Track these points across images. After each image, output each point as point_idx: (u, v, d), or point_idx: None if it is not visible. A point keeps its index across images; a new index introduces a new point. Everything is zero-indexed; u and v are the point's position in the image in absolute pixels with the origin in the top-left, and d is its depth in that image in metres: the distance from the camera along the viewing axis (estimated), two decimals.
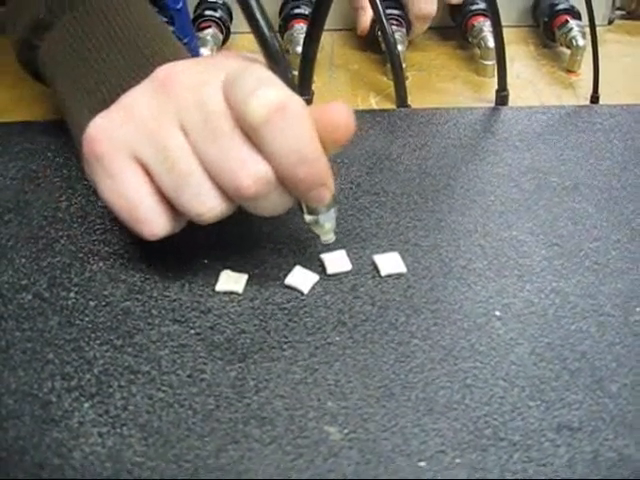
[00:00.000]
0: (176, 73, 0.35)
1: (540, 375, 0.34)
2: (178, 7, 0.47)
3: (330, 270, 0.39)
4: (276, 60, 0.35)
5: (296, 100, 0.33)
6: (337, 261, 0.39)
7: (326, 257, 0.39)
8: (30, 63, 0.44)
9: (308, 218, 0.37)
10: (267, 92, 0.32)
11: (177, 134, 0.34)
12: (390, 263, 0.39)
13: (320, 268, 0.39)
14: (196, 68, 0.35)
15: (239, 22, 0.62)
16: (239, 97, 0.32)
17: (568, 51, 0.58)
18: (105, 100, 0.38)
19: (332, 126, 0.34)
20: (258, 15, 0.34)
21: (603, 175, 0.46)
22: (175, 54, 0.40)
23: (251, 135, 0.33)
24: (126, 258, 0.39)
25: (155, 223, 0.35)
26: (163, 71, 0.35)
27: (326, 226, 0.37)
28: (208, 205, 0.34)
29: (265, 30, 0.34)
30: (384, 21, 0.51)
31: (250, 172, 0.33)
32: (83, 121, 0.37)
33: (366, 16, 0.59)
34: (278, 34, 0.43)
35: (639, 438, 0.31)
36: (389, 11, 0.56)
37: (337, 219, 0.37)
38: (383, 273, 0.39)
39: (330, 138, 0.34)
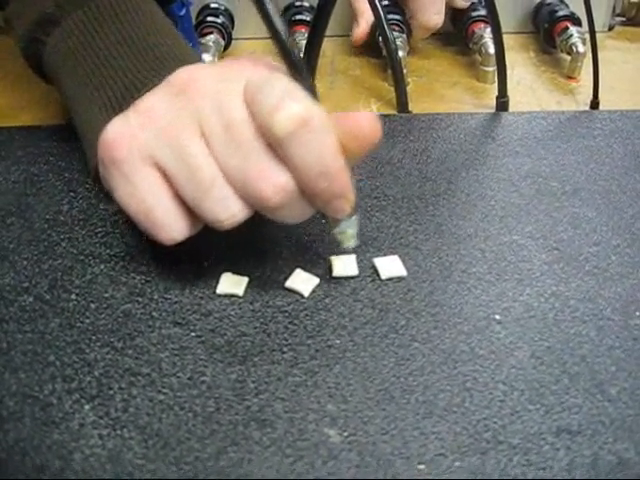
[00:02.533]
0: (196, 79, 0.35)
1: (540, 379, 0.34)
2: (181, 14, 0.47)
3: (336, 273, 0.39)
4: (298, 69, 0.35)
5: (320, 113, 0.33)
6: (345, 265, 0.39)
7: (335, 259, 0.39)
8: (35, 58, 0.44)
9: (330, 224, 0.37)
10: (293, 105, 0.32)
11: (198, 141, 0.34)
12: (390, 266, 0.39)
13: (321, 271, 0.39)
14: (216, 74, 0.35)
15: (241, 28, 0.62)
16: (264, 108, 0.32)
17: (568, 57, 0.59)
18: (117, 98, 0.38)
19: (357, 134, 0.34)
20: (278, 24, 0.34)
21: (603, 180, 0.46)
22: (186, 55, 0.40)
23: (274, 146, 0.33)
24: (127, 261, 0.39)
25: (173, 228, 0.35)
26: (183, 76, 0.35)
27: (348, 233, 0.37)
28: (229, 212, 0.34)
29: (285, 39, 0.34)
30: (385, 27, 0.51)
31: (272, 182, 0.33)
32: (92, 118, 0.37)
33: (360, 28, 0.59)
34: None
35: (638, 442, 0.31)
36: (390, 16, 0.56)
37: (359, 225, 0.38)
38: (383, 276, 0.39)
39: (355, 145, 0.34)
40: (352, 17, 0.61)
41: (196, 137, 0.34)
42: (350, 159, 0.34)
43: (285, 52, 0.34)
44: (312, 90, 0.35)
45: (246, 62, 0.37)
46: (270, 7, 0.33)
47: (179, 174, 0.34)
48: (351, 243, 0.38)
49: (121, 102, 0.37)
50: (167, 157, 0.34)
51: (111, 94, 0.38)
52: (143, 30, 0.40)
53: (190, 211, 0.35)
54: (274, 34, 0.34)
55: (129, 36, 0.40)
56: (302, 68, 0.35)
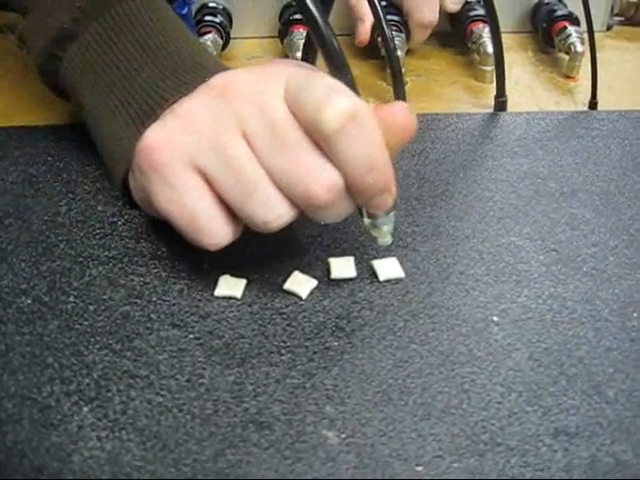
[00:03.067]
0: (234, 82, 0.35)
1: (537, 380, 0.34)
2: (184, 12, 0.47)
3: (334, 275, 0.39)
4: (338, 66, 0.35)
5: (365, 107, 0.33)
6: (343, 267, 0.39)
7: (333, 261, 0.39)
8: (51, 75, 0.43)
9: (367, 221, 0.37)
10: (340, 100, 0.32)
11: (241, 142, 0.34)
12: (388, 268, 0.39)
13: (319, 273, 0.39)
14: (253, 76, 0.35)
15: (239, 28, 0.62)
16: (309, 105, 0.32)
17: (567, 57, 0.59)
18: (144, 111, 0.37)
19: (396, 127, 0.34)
20: (320, 22, 0.34)
21: (601, 181, 0.46)
22: (209, 62, 0.40)
23: (322, 143, 0.33)
24: (125, 263, 0.39)
25: (216, 233, 0.35)
26: (220, 80, 0.35)
27: (384, 229, 0.37)
28: (276, 213, 0.34)
29: (328, 36, 0.34)
30: (384, 26, 0.51)
31: (321, 181, 0.33)
32: (118, 130, 0.37)
33: (364, 27, 0.59)
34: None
35: (636, 443, 0.31)
36: (389, 17, 0.56)
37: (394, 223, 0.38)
38: (381, 278, 0.39)
39: (395, 139, 0.34)
40: (352, 18, 0.61)
41: (238, 139, 0.34)
42: (390, 153, 0.34)
43: (327, 49, 0.34)
44: (352, 85, 0.35)
45: (280, 64, 0.37)
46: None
47: (222, 177, 0.34)
48: (387, 239, 0.38)
49: (150, 114, 0.37)
50: (209, 160, 0.34)
51: (137, 107, 0.38)
52: (161, 38, 0.40)
53: (233, 215, 0.35)
54: (315, 31, 0.34)
55: (147, 45, 0.40)
56: (342, 63, 0.35)
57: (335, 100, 0.32)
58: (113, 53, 0.40)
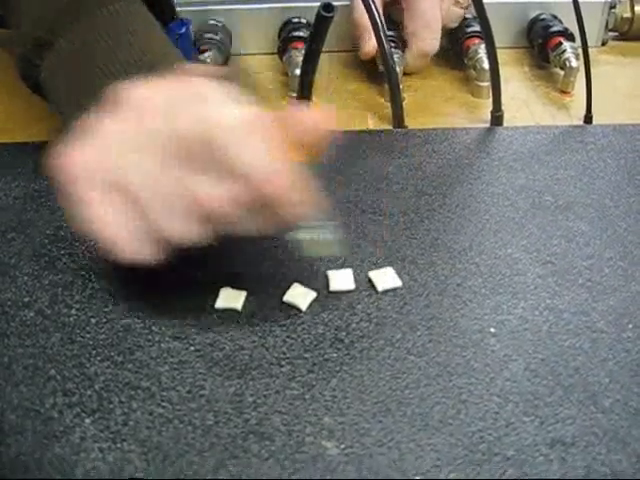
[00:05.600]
0: (143, 96, 0.35)
1: (534, 391, 0.34)
2: (181, 32, 0.48)
3: (333, 287, 0.39)
4: (242, 75, 0.35)
5: (261, 116, 0.33)
6: (342, 279, 0.40)
7: (331, 274, 0.40)
8: (31, 79, 0.45)
9: (290, 235, 0.36)
10: (230, 111, 0.32)
11: (149, 159, 0.34)
12: (385, 278, 0.40)
13: (318, 285, 0.39)
14: (161, 90, 0.35)
15: (238, 45, 0.63)
16: (205, 117, 0.33)
17: (562, 72, 0.59)
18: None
19: (309, 126, 0.34)
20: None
21: (596, 194, 0.47)
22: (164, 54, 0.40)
23: (219, 155, 0.33)
24: (126, 276, 0.40)
25: (136, 249, 0.35)
26: (132, 95, 0.35)
27: (320, 240, 0.36)
28: (183, 229, 0.34)
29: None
30: (384, 43, 0.52)
31: (219, 194, 0.33)
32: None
33: (371, 40, 0.60)
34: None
35: (632, 453, 0.31)
36: (387, 33, 0.57)
37: (331, 235, 0.37)
38: (379, 289, 0.39)
39: (311, 140, 0.34)
40: (354, 33, 0.61)
41: (148, 155, 0.34)
42: (309, 160, 0.34)
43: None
44: (255, 93, 0.35)
45: (186, 75, 0.36)
46: None
47: (132, 193, 0.34)
48: (326, 252, 0.37)
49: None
50: (120, 176, 0.34)
51: (100, 97, 0.38)
52: (136, 48, 0.41)
53: (153, 232, 0.34)
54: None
55: (120, 50, 0.40)
56: (245, 71, 0.35)
57: (226, 111, 0.32)
58: (85, 62, 0.41)
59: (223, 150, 0.32)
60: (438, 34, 0.59)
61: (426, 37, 0.59)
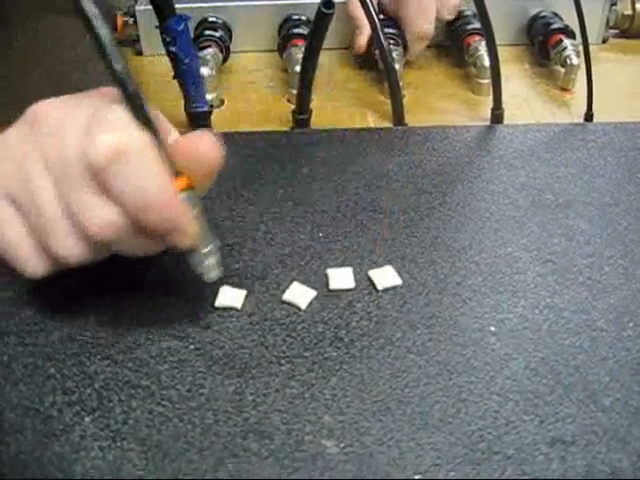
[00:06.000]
0: (46, 112, 0.34)
1: (534, 389, 0.34)
2: (180, 28, 0.48)
3: (332, 285, 0.39)
4: (131, 97, 0.32)
5: (140, 143, 0.32)
6: (341, 278, 0.40)
7: (331, 272, 0.40)
8: None
9: (187, 257, 0.35)
10: (105, 137, 0.31)
11: (45, 176, 0.33)
12: (385, 277, 0.40)
13: (318, 284, 0.39)
14: (64, 108, 0.35)
15: (239, 42, 0.63)
16: (85, 143, 0.32)
17: (562, 69, 0.59)
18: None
19: (201, 157, 0.33)
20: (108, 47, 0.31)
21: (597, 192, 0.47)
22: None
23: (98, 180, 0.32)
24: (127, 273, 0.40)
25: (28, 262, 0.34)
26: (35, 108, 0.35)
27: (205, 264, 0.35)
28: (69, 249, 0.33)
29: (118, 68, 0.32)
30: (382, 40, 0.52)
31: (96, 219, 0.32)
32: None
33: (363, 36, 0.60)
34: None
35: (632, 452, 0.31)
36: (386, 30, 0.57)
37: (221, 254, 0.36)
38: (380, 287, 0.39)
39: (201, 170, 0.34)
40: (351, 28, 0.61)
41: (42, 173, 0.33)
42: (198, 187, 0.34)
43: (119, 81, 0.32)
44: (146, 117, 0.33)
45: (94, 95, 0.35)
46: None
47: (26, 209, 0.34)
48: (212, 275, 0.36)
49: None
50: (18, 190, 0.34)
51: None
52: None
53: (46, 250, 0.34)
54: (104, 58, 0.32)
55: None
56: (136, 96, 0.33)
57: (101, 137, 0.31)
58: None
59: (104, 176, 0.32)
60: (432, 16, 0.59)
61: (420, 21, 0.59)
